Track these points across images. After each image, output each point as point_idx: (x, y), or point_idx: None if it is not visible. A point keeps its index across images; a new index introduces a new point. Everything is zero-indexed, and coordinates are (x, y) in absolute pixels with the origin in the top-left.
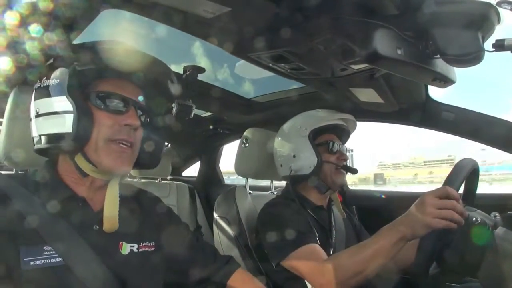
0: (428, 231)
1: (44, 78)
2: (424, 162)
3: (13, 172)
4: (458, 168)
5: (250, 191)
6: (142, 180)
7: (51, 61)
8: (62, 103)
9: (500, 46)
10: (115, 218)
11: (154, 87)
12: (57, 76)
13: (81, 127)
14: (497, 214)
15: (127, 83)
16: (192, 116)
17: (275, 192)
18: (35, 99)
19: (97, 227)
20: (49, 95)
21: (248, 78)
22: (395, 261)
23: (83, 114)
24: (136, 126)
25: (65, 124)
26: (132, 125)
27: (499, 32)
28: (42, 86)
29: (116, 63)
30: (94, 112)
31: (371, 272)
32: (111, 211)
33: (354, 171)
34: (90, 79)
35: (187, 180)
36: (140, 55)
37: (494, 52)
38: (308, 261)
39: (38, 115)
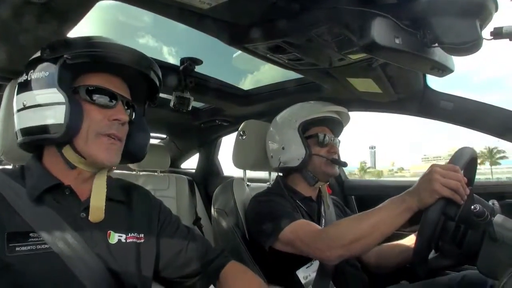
0: (434, 198)
1: (31, 71)
2: None
3: (11, 167)
4: (460, 153)
5: (248, 183)
6: (141, 173)
7: (38, 54)
8: (53, 95)
9: (498, 34)
10: (101, 209)
11: (140, 81)
12: (45, 68)
13: (73, 118)
14: (495, 202)
15: (115, 78)
16: (190, 108)
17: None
18: (20, 93)
19: (84, 215)
20: (37, 88)
21: (246, 69)
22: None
23: (74, 105)
24: (125, 121)
25: (56, 115)
26: (121, 120)
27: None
28: (28, 79)
29: (104, 57)
30: (83, 106)
31: (373, 241)
32: (97, 201)
33: (344, 164)
34: (79, 72)
35: (186, 172)
36: (127, 50)
37: (492, 40)
38: (303, 230)
39: (24, 108)
